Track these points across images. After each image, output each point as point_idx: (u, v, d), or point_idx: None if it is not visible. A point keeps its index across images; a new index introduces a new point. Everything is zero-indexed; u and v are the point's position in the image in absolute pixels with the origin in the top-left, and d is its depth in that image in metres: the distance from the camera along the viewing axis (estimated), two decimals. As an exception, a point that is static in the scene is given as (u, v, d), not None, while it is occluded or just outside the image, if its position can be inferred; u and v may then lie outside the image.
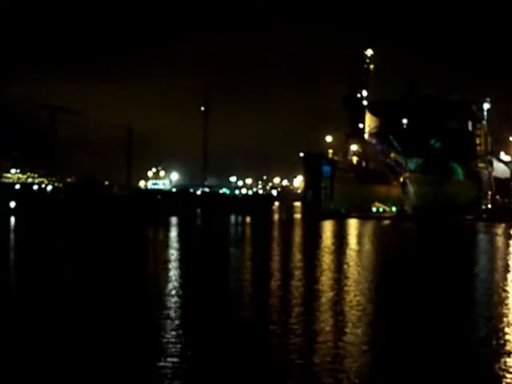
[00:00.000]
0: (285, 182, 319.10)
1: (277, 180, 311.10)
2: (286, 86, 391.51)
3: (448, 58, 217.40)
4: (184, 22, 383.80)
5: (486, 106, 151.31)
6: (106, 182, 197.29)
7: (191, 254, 52.37)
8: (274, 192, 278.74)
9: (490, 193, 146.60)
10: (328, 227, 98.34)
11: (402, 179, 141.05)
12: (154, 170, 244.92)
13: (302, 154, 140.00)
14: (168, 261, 44.34)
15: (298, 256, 51.00)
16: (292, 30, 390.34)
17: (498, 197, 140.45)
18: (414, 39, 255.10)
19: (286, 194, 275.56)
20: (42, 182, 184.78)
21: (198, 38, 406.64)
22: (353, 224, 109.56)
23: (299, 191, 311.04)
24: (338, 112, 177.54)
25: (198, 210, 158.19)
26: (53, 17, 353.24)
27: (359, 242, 68.86)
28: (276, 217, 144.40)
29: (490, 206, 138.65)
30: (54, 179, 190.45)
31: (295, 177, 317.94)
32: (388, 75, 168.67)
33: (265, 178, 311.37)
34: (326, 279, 36.27)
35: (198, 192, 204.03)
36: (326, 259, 47.29)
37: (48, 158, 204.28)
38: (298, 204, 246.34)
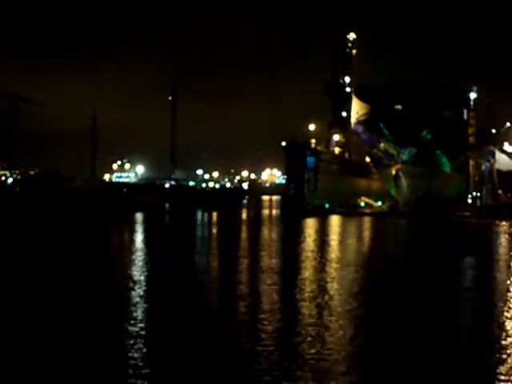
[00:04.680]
0: (253, 176, 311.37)
1: (245, 173, 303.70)
2: (254, 79, 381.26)
3: (433, 47, 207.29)
4: (152, 15, 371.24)
5: (473, 95, 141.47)
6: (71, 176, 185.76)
7: (155, 269, 38.64)
8: (245, 185, 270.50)
9: (481, 187, 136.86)
10: (315, 227, 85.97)
11: (394, 171, 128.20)
12: (118, 162, 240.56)
13: (284, 144, 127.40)
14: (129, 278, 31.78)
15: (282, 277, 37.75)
16: (263, 19, 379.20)
17: (500, 191, 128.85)
18: (399, 26, 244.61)
19: (255, 188, 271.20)
20: (4, 175, 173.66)
21: (164, 31, 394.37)
22: (343, 223, 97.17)
23: (267, 185, 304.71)
24: (318, 101, 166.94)
25: (167, 205, 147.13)
26: (18, 4, 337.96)
27: (367, 261, 56.07)
28: (251, 213, 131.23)
29: (488, 201, 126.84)
30: (16, 172, 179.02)
31: (263, 170, 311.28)
32: (372, 61, 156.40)
33: (232, 171, 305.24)
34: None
35: (167, 185, 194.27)
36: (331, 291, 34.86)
37: (10, 150, 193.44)
38: (266, 198, 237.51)
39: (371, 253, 53.23)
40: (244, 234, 70.10)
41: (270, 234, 70.30)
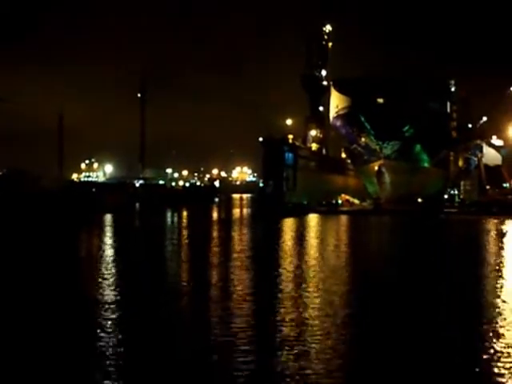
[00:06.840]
0: (223, 174, 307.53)
1: (215, 171, 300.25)
2: (222, 75, 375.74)
3: (409, 40, 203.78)
4: (120, 11, 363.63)
5: (452, 88, 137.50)
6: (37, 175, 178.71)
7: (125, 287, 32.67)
8: (217, 183, 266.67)
9: (459, 183, 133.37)
10: (298, 229, 79.76)
11: (376, 167, 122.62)
12: (86, 161, 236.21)
13: (261, 139, 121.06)
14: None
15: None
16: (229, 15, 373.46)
17: (488, 187, 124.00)
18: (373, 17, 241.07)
19: (226, 186, 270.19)
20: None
21: (133, 27, 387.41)
22: (326, 222, 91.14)
23: (238, 182, 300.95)
24: (292, 96, 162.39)
25: (137, 205, 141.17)
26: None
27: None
28: (225, 213, 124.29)
29: (474, 197, 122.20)
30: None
31: (234, 168, 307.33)
32: (349, 53, 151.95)
33: (202, 169, 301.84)
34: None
35: (137, 184, 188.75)
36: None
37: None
38: (236, 196, 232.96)
39: (363, 261, 47.77)
40: (221, 238, 63.96)
41: (252, 238, 64.52)
